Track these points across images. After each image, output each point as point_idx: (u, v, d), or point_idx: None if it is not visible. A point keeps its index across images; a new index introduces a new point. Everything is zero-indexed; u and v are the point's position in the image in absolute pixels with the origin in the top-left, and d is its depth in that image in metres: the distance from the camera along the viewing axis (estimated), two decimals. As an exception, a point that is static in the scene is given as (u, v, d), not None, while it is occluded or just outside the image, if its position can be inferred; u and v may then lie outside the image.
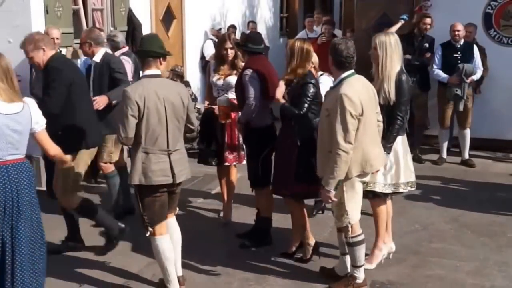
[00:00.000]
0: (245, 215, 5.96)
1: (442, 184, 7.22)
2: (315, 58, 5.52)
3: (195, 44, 10.59)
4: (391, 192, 4.73)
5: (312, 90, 4.65)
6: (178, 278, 4.41)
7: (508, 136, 8.37)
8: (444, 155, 8.13)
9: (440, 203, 6.47)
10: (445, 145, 8.15)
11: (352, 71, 4.26)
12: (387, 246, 4.95)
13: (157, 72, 4.19)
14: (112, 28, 8.23)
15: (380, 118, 4.45)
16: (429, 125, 8.54)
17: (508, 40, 8.42)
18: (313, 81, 4.72)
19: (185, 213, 6.09)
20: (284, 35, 15.00)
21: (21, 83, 6.58)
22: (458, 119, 8.05)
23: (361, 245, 4.37)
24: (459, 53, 7.78)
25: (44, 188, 6.54)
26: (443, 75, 7.85)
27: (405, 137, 4.80)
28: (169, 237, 4.33)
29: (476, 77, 7.81)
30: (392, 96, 4.54)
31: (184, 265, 4.71)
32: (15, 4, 6.62)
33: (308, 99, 4.62)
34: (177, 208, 4.58)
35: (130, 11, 8.61)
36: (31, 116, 3.62)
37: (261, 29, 12.49)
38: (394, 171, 4.70)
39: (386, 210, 4.87)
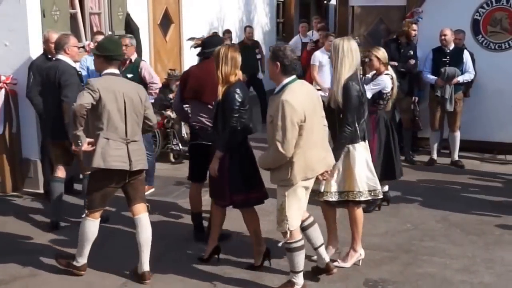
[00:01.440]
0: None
1: (432, 185, 7.25)
2: (383, 54, 5.76)
3: (192, 49, 10.59)
4: (339, 200, 4.66)
5: (238, 99, 4.55)
6: (144, 273, 4.53)
7: (496, 138, 8.42)
8: (435, 156, 8.17)
9: (431, 203, 6.49)
10: (435, 147, 8.18)
11: (295, 76, 4.20)
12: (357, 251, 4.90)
13: (117, 71, 4.61)
14: (110, 32, 8.23)
15: (325, 122, 4.37)
16: (421, 127, 8.57)
17: (496, 46, 8.47)
18: (237, 89, 4.60)
19: (177, 216, 6.10)
20: (280, 39, 15.02)
21: (17, 86, 6.63)
22: (448, 122, 8.09)
23: (299, 251, 4.29)
24: (447, 57, 7.85)
25: (41, 191, 6.52)
26: (431, 77, 7.94)
27: (365, 144, 4.72)
28: (98, 223, 4.56)
29: (463, 79, 7.84)
30: (339, 100, 4.47)
31: (180, 266, 4.71)
32: (12, 8, 6.58)
33: (235, 113, 4.55)
34: (149, 206, 4.68)
35: (128, 15, 8.60)
36: None
37: (258, 33, 12.52)
38: (346, 179, 4.61)
39: (333, 215, 4.89)
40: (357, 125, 4.55)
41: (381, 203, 6.15)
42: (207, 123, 5.10)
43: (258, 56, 10.99)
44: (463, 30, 8.18)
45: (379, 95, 5.91)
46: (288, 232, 4.22)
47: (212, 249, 4.92)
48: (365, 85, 5.88)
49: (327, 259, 4.62)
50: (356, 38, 7.50)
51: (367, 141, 4.78)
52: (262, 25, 13.91)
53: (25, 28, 6.65)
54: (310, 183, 4.32)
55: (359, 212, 4.82)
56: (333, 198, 4.66)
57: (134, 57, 6.60)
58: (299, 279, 4.37)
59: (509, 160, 8.36)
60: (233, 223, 5.44)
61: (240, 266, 4.87)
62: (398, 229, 5.74)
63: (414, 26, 8.00)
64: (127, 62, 6.49)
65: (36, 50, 6.60)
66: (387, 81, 5.89)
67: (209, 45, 5.23)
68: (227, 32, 10.90)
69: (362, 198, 4.64)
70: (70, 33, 6.19)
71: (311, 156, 4.13)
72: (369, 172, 4.67)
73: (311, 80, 8.93)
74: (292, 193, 4.18)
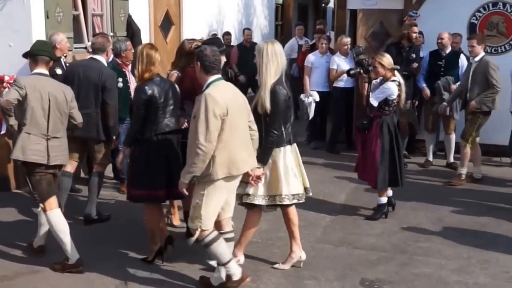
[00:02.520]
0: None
1: (428, 186, 7.27)
2: (388, 60, 5.80)
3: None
4: (268, 204, 4.57)
5: (142, 96, 4.66)
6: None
7: (491, 141, 8.42)
8: (430, 158, 8.19)
9: (427, 204, 6.51)
10: (431, 149, 8.20)
11: (219, 76, 4.24)
12: (296, 254, 4.84)
13: (46, 72, 4.74)
14: (111, 34, 8.25)
15: (255, 127, 4.35)
16: (417, 132, 8.60)
17: (492, 50, 8.49)
18: (146, 86, 4.68)
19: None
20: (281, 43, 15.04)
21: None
22: (443, 124, 8.11)
23: (216, 241, 4.21)
24: (443, 61, 7.89)
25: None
26: (422, 85, 8.03)
27: (292, 147, 4.62)
28: (59, 212, 4.69)
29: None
30: (267, 106, 4.36)
31: (179, 264, 4.73)
32: (16, 9, 6.60)
33: (136, 108, 4.72)
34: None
35: (130, 17, 8.62)
36: None
37: (257, 36, 12.54)
38: (272, 182, 4.53)
39: (256, 220, 4.73)
40: (283, 129, 4.48)
41: (388, 210, 6.11)
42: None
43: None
44: (460, 34, 8.19)
45: (385, 102, 5.83)
46: (198, 231, 4.18)
47: (157, 250, 4.84)
48: (371, 92, 5.90)
49: (223, 279, 4.37)
50: (360, 46, 7.50)
51: (295, 144, 4.69)
52: (261, 27, 13.94)
53: (29, 29, 6.69)
54: (233, 186, 4.28)
55: (291, 211, 4.75)
56: (261, 202, 4.56)
57: None
58: (234, 269, 4.28)
59: (504, 162, 8.39)
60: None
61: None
62: (394, 230, 5.75)
63: (415, 29, 8.00)
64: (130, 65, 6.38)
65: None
66: (393, 88, 5.80)
67: None
68: (227, 34, 10.92)
69: (286, 202, 4.57)
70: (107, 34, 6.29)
71: (235, 154, 4.13)
72: (293, 176, 4.58)
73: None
74: (212, 192, 4.15)
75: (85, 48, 7.88)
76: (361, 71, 6.00)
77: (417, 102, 8.22)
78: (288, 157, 4.57)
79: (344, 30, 9.25)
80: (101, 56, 5.72)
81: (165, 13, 9.86)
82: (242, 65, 10.70)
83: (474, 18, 8.53)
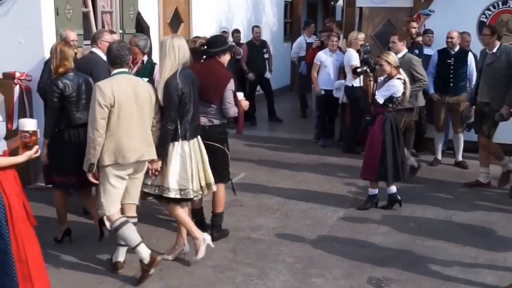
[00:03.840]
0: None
1: (436, 185, 7.24)
2: (393, 58, 5.86)
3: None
4: (154, 194, 4.67)
5: (55, 90, 4.90)
6: None
7: (500, 140, 8.36)
8: (439, 156, 8.15)
9: (435, 203, 6.49)
10: (440, 147, 8.16)
11: (123, 70, 4.46)
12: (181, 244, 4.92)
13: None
14: (120, 31, 8.27)
15: (155, 122, 4.51)
16: (425, 131, 8.57)
17: (502, 48, 8.41)
18: (58, 81, 4.90)
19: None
20: (287, 39, 15.03)
21: (31, 82, 6.68)
22: (452, 123, 8.07)
23: (124, 226, 4.42)
24: (452, 59, 7.81)
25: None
26: (430, 89, 7.92)
27: (189, 143, 4.63)
28: None
29: (471, 83, 7.80)
30: (160, 99, 4.48)
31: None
32: (26, 6, 6.63)
33: (50, 102, 4.96)
34: None
35: (139, 14, 8.63)
36: None
37: (266, 33, 12.52)
38: (161, 174, 4.61)
39: (183, 212, 4.78)
40: (179, 124, 4.54)
41: (377, 201, 6.24)
42: (207, 122, 5.08)
43: (266, 56, 11.00)
44: (469, 32, 8.14)
45: (389, 99, 5.94)
46: (105, 217, 4.45)
47: (64, 230, 5.22)
48: (376, 90, 5.95)
49: (119, 258, 4.67)
50: (367, 44, 7.48)
51: (195, 140, 4.71)
52: (270, 25, 13.91)
53: (39, 25, 6.70)
54: (124, 174, 4.43)
55: (175, 209, 4.75)
56: (150, 190, 4.68)
57: (144, 59, 6.14)
58: (143, 252, 4.42)
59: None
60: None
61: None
62: (401, 228, 5.74)
63: (414, 24, 7.97)
64: (138, 64, 6.06)
65: (49, 47, 6.63)
66: (399, 86, 5.91)
67: (214, 45, 5.18)
68: (236, 31, 10.91)
69: (171, 195, 4.61)
70: (106, 30, 6.23)
71: (122, 143, 4.32)
72: (183, 171, 4.61)
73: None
74: (104, 179, 4.40)
75: (95, 45, 7.91)
76: (368, 69, 6.02)
77: (424, 100, 8.17)
78: (183, 152, 4.61)
79: (353, 28, 9.22)
80: (96, 48, 5.73)
81: (174, 10, 9.87)
82: (251, 63, 10.70)
83: (484, 16, 8.48)
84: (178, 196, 4.63)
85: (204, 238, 4.76)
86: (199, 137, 4.77)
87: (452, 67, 7.80)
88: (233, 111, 5.11)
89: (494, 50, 6.88)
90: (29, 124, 3.62)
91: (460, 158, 8.09)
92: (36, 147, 3.61)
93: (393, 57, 5.97)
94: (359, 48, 8.37)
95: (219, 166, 5.17)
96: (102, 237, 4.89)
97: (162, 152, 4.54)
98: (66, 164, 4.94)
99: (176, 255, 4.91)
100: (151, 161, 4.51)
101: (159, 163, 4.55)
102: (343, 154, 8.58)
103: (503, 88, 6.67)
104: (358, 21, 9.35)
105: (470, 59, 7.85)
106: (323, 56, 8.89)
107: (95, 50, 5.86)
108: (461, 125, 7.96)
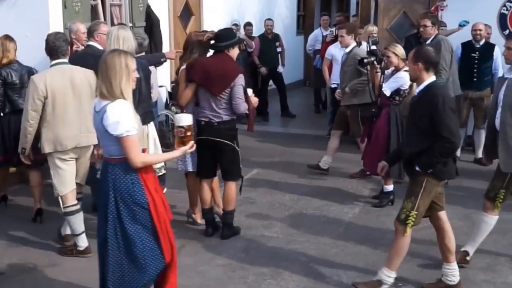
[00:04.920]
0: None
1: (455, 182, 7.14)
2: (401, 50, 5.88)
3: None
4: None
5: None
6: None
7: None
8: (458, 153, 8.06)
9: (453, 201, 6.39)
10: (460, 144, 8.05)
11: (60, 60, 4.82)
12: None
13: None
14: (130, 24, 8.28)
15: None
16: None
17: (523, 42, 8.34)
18: (3, 69, 5.46)
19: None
20: (300, 33, 14.99)
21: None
22: (475, 118, 7.99)
23: (74, 214, 4.79)
24: (477, 53, 7.72)
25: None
26: None
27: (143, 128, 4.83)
28: None
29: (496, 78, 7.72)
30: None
31: (199, 259, 4.75)
32: (34, -1, 6.67)
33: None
34: None
35: (148, 7, 8.65)
36: (103, 118, 3.43)
37: (278, 27, 12.49)
38: None
39: None
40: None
41: (393, 199, 6.23)
42: (215, 118, 5.11)
43: (278, 49, 10.98)
44: (490, 25, 8.08)
45: (396, 91, 5.99)
46: (60, 198, 4.81)
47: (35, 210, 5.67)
48: (383, 82, 5.97)
49: (66, 231, 5.04)
50: (376, 35, 7.44)
51: (149, 125, 5.12)
52: (283, 18, 13.87)
53: (46, 19, 6.73)
54: (68, 157, 4.81)
55: None
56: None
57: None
58: (82, 241, 4.86)
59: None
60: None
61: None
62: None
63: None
64: None
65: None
66: (406, 78, 5.85)
67: (223, 39, 5.18)
68: (248, 24, 10.90)
69: None
70: (102, 21, 6.25)
71: (59, 132, 4.72)
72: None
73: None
74: (52, 164, 4.83)
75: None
76: (375, 60, 6.01)
77: None
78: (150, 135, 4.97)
79: (369, 21, 9.19)
80: (91, 41, 5.68)
81: (184, 3, 9.88)
82: (263, 57, 10.69)
83: (505, 8, 8.40)
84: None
85: None
86: (151, 124, 5.17)
87: (476, 61, 7.70)
88: (243, 107, 5.12)
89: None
90: (185, 119, 3.70)
91: (480, 155, 8.02)
92: (191, 142, 3.68)
93: (400, 49, 6.02)
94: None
95: (229, 163, 5.20)
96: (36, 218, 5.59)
97: None
98: (8, 145, 5.59)
99: None
100: (96, 147, 4.63)
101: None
102: (358, 150, 8.54)
103: None
104: (374, 14, 9.31)
105: (497, 53, 7.72)
106: (334, 50, 8.82)
107: (91, 43, 5.71)
108: (483, 121, 7.88)
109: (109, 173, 3.48)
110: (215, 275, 4.68)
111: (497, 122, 4.67)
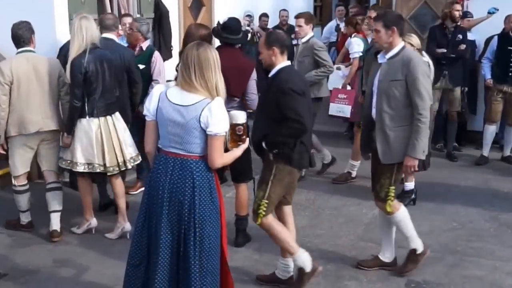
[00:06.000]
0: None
1: (481, 181, 7.12)
2: (416, 40, 5.84)
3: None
4: (86, 171, 5.17)
5: None
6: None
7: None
8: (486, 153, 7.87)
9: (479, 201, 6.38)
10: (489, 143, 7.86)
11: (25, 48, 5.16)
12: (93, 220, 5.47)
13: None
14: (138, 15, 8.28)
15: (67, 97, 5.19)
16: (466, 120, 8.45)
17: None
18: None
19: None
20: (317, 24, 14.91)
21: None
22: (507, 115, 7.81)
23: (22, 194, 5.35)
24: None
25: (67, 179, 6.60)
26: (488, 74, 7.82)
27: (99, 120, 5.10)
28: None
29: None
30: (67, 77, 5.12)
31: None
32: (38, -11, 6.67)
33: None
34: None
35: (157, -3, 8.64)
36: (201, 114, 3.41)
37: (293, 18, 12.43)
38: (71, 149, 5.14)
39: (87, 186, 5.37)
40: (86, 101, 5.06)
41: (415, 198, 6.24)
42: None
43: (294, 42, 10.91)
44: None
45: None
46: (13, 177, 5.30)
47: None
48: None
49: (55, 227, 5.30)
50: None
51: (107, 118, 5.17)
52: (298, 9, 13.72)
53: (50, 10, 6.72)
54: (30, 143, 5.22)
55: (81, 182, 5.37)
56: (62, 165, 5.28)
57: (145, 45, 6.23)
58: (25, 217, 5.44)
59: None
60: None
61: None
62: (443, 228, 5.67)
63: (457, 6, 7.78)
64: (137, 49, 6.16)
65: (62, 33, 6.68)
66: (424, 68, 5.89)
67: (234, 31, 5.08)
68: (264, 15, 10.85)
69: (79, 169, 5.15)
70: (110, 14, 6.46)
71: (23, 116, 5.10)
72: (89, 146, 5.11)
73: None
74: (12, 146, 5.24)
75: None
76: None
77: (466, 89, 8.03)
78: (89, 128, 5.09)
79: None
80: (112, 34, 5.78)
81: (195, -7, 9.86)
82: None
83: (537, -6, 8.25)
84: (86, 170, 5.15)
85: (91, 223, 5.44)
86: (116, 114, 5.25)
87: None
88: (257, 102, 5.01)
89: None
90: (241, 116, 3.74)
91: (508, 153, 7.92)
92: (247, 139, 3.73)
93: (415, 39, 6.00)
94: None
95: (241, 164, 5.08)
96: None
97: (70, 127, 5.14)
98: None
99: (119, 234, 5.36)
100: (63, 137, 5.18)
101: (69, 138, 5.14)
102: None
103: None
104: (396, 4, 9.22)
105: None
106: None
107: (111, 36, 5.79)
108: None
109: (187, 170, 3.47)
110: (252, 273, 4.68)
111: (374, 111, 4.56)
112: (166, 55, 8.11)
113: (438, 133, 8.30)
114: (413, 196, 6.23)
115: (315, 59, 6.82)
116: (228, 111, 4.89)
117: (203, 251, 3.50)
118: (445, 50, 7.65)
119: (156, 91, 3.56)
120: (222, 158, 3.51)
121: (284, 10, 11.28)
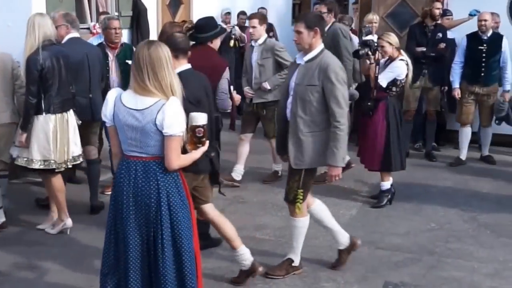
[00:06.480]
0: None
1: (460, 182, 7.12)
2: (395, 38, 5.93)
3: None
4: (42, 168, 5.14)
5: None
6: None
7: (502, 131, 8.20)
8: (463, 156, 7.82)
9: (458, 202, 6.38)
10: (465, 146, 7.82)
11: None
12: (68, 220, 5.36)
13: None
14: (116, 13, 8.17)
15: (22, 90, 5.21)
16: (445, 119, 8.46)
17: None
18: None
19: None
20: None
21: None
22: (480, 116, 7.85)
23: None
24: (484, 45, 7.52)
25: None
26: (456, 81, 7.67)
27: (56, 116, 5.11)
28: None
29: (506, 78, 7.57)
30: (23, 75, 5.16)
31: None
32: (15, -13, 6.58)
33: None
34: None
35: (136, -5, 8.56)
36: (157, 117, 3.31)
37: (272, 16, 12.39)
38: (48, 147, 5.10)
39: (58, 184, 5.27)
40: (42, 97, 5.04)
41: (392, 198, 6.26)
42: None
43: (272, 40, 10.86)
44: (498, 14, 7.95)
45: (392, 82, 5.99)
46: None
47: None
48: (378, 74, 5.97)
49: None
50: (368, 25, 7.33)
51: (63, 115, 5.16)
52: (277, 6, 13.78)
53: (28, 8, 6.63)
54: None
55: (54, 180, 5.25)
56: (19, 162, 5.22)
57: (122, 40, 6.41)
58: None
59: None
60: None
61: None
62: (421, 229, 5.65)
63: (438, 4, 7.75)
64: (119, 46, 6.28)
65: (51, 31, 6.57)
66: (403, 68, 6.00)
67: (204, 29, 4.98)
68: (242, 13, 10.79)
69: (35, 166, 5.13)
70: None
71: None
72: (45, 143, 5.10)
73: None
74: None
75: (88, 28, 7.83)
76: (369, 51, 5.94)
77: (446, 88, 8.00)
78: (46, 124, 5.08)
79: (369, 9, 9.05)
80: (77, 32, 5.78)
81: (174, -9, 9.78)
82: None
83: (516, -5, 8.29)
84: (42, 167, 5.13)
85: (66, 223, 5.32)
86: (70, 111, 5.23)
87: (484, 55, 7.52)
88: (228, 103, 4.95)
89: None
90: (202, 118, 3.58)
91: (486, 153, 7.95)
92: (207, 142, 3.60)
93: (394, 38, 6.06)
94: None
95: None
96: None
97: (26, 124, 5.09)
98: None
99: (61, 229, 5.32)
100: (22, 134, 5.10)
101: (23, 135, 5.09)
102: (354, 148, 8.45)
103: None
104: (373, 2, 9.19)
105: (505, 45, 7.55)
106: None
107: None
108: (490, 119, 7.75)
109: (150, 173, 3.39)
110: (203, 279, 4.55)
111: (288, 112, 4.47)
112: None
113: (417, 132, 8.34)
114: (389, 196, 6.20)
115: (277, 61, 6.66)
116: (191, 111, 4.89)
117: (181, 252, 3.44)
118: (425, 49, 7.63)
119: (110, 96, 3.45)
120: (179, 160, 3.41)
121: (263, 8, 11.27)
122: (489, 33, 7.57)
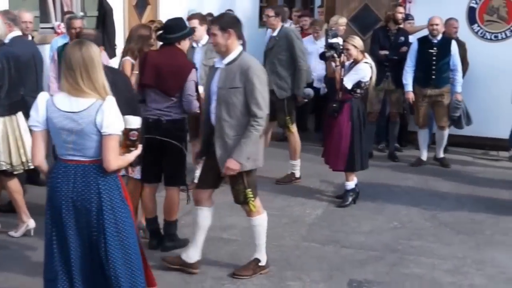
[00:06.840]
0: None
1: (421, 181, 7.26)
2: (359, 42, 6.04)
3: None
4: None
5: None
6: None
7: (488, 134, 8.43)
8: (424, 157, 7.98)
9: (419, 201, 6.51)
10: (424, 146, 7.98)
11: None
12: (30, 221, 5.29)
13: None
14: (81, 13, 8.10)
15: None
16: (407, 121, 8.62)
17: (492, 36, 8.49)
18: None
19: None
20: (263, 25, 14.91)
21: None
22: (435, 118, 7.93)
23: None
24: (434, 49, 7.62)
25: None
26: (408, 84, 7.72)
27: (7, 119, 5.05)
28: None
29: (459, 84, 7.65)
30: None
31: (156, 264, 4.67)
32: (-24, -16, 6.46)
33: None
34: None
35: (102, -5, 8.48)
36: (96, 117, 3.26)
37: (239, 18, 12.41)
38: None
39: (14, 186, 5.22)
40: None
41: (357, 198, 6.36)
42: (164, 116, 4.88)
43: (239, 42, 10.87)
44: (456, 19, 8.09)
45: (357, 84, 6.09)
46: None
47: None
48: (343, 76, 6.05)
49: None
50: (333, 28, 7.43)
51: (13, 117, 5.11)
52: (244, 9, 13.79)
53: (-11, 6, 6.50)
54: None
55: (10, 183, 5.20)
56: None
57: None
58: None
59: (502, 157, 8.38)
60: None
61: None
62: (384, 228, 5.74)
63: (400, 9, 7.91)
64: None
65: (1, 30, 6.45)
66: (367, 70, 6.10)
67: (173, 30, 4.96)
68: (209, 15, 10.77)
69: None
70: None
71: None
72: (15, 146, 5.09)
73: None
74: None
75: (52, 28, 7.75)
76: (335, 54, 6.05)
77: None
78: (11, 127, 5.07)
79: (334, 12, 9.17)
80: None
81: (140, -9, 9.72)
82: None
83: (474, 1, 8.51)
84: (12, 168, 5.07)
85: (28, 224, 5.24)
86: (19, 113, 5.13)
87: (434, 58, 7.61)
88: (194, 105, 4.92)
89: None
90: (136, 121, 3.52)
91: (441, 155, 8.02)
92: (140, 145, 3.55)
93: (358, 41, 6.17)
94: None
95: (173, 166, 4.98)
96: None
97: None
98: None
99: (24, 232, 5.25)
100: None
101: None
102: (320, 150, 8.55)
103: None
104: (336, 6, 9.32)
105: (454, 48, 7.66)
106: (306, 44, 8.75)
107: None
108: (446, 120, 7.83)
109: (90, 177, 3.33)
110: (170, 279, 4.59)
111: (213, 117, 4.44)
112: (110, 54, 7.96)
113: (381, 133, 8.48)
114: (354, 195, 6.31)
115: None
116: (164, 110, 4.89)
117: (128, 251, 3.44)
118: (388, 52, 7.78)
119: (40, 100, 3.37)
120: (117, 160, 3.36)
121: (230, 10, 11.21)
122: (439, 37, 7.66)
